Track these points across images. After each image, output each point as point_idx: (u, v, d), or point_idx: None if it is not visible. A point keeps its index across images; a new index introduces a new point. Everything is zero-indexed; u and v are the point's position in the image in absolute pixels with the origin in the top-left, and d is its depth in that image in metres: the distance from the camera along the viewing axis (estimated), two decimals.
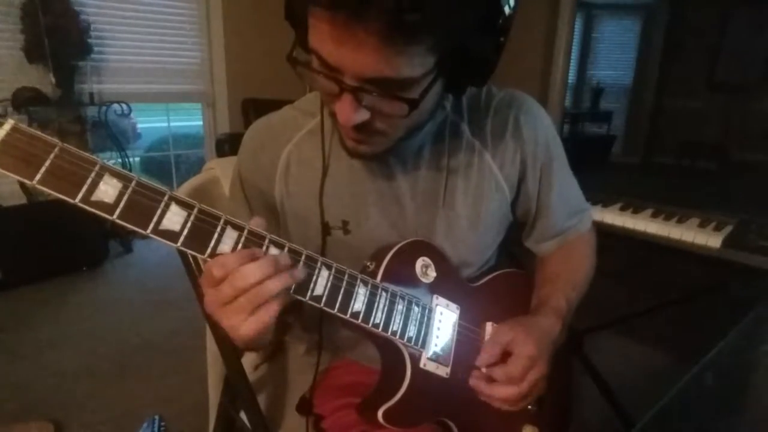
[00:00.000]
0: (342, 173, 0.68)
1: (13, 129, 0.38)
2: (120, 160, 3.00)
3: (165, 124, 3.67)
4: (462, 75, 0.55)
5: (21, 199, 2.52)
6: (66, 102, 2.63)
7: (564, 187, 0.77)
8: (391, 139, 0.58)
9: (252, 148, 0.72)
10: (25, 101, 2.50)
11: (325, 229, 0.67)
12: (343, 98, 0.50)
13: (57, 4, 2.50)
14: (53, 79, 2.57)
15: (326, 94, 0.53)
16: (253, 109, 3.17)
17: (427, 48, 0.47)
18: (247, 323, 0.48)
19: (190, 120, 4.72)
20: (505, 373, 0.63)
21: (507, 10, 0.50)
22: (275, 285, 0.47)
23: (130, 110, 2.95)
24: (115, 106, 2.88)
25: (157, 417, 1.55)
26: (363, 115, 0.52)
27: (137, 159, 4.30)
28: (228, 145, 2.93)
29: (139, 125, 4.92)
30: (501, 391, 0.64)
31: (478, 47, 0.51)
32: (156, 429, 1.51)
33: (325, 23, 0.45)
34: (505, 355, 0.64)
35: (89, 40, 2.69)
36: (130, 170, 3.17)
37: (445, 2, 0.44)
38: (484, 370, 0.66)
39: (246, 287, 0.46)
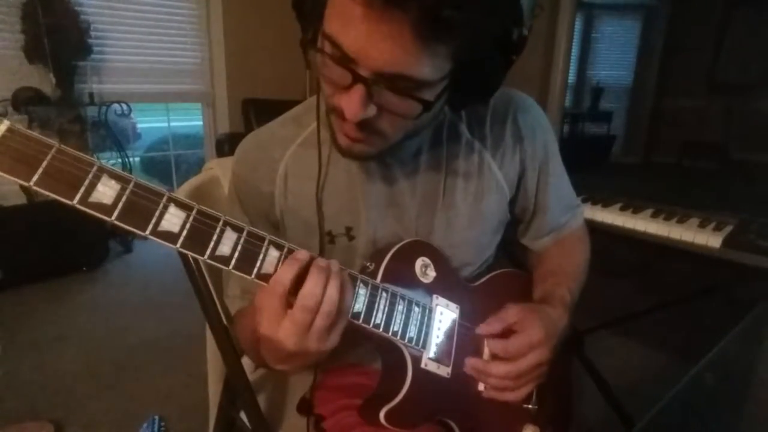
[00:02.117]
0: (340, 179, 0.67)
1: (9, 130, 0.38)
2: (120, 160, 3.00)
3: (165, 124, 3.67)
4: (469, 89, 0.54)
5: (21, 199, 2.52)
6: (66, 102, 2.62)
7: (559, 184, 0.78)
8: (388, 142, 0.57)
9: (246, 170, 0.70)
10: (25, 101, 2.50)
11: (325, 237, 0.67)
12: (353, 90, 0.48)
13: (57, 4, 2.50)
14: (53, 79, 2.56)
15: (334, 85, 0.52)
16: (253, 109, 3.17)
17: (449, 52, 0.47)
18: (333, 337, 0.51)
19: (190, 120, 4.71)
20: (504, 348, 0.63)
21: (525, 31, 0.51)
22: (334, 290, 0.49)
23: (130, 110, 2.95)
24: (115, 106, 2.88)
25: (157, 417, 1.55)
26: (371, 111, 0.50)
27: (137, 159, 4.30)
28: (228, 145, 2.94)
29: (139, 125, 4.92)
30: (495, 368, 0.64)
31: (491, 61, 0.52)
32: (156, 429, 1.51)
33: (359, 6, 0.44)
34: (510, 334, 0.64)
35: (89, 40, 2.69)
36: (130, 170, 3.17)
37: (480, 4, 0.44)
38: (486, 356, 0.66)
39: (316, 305, 0.48)
